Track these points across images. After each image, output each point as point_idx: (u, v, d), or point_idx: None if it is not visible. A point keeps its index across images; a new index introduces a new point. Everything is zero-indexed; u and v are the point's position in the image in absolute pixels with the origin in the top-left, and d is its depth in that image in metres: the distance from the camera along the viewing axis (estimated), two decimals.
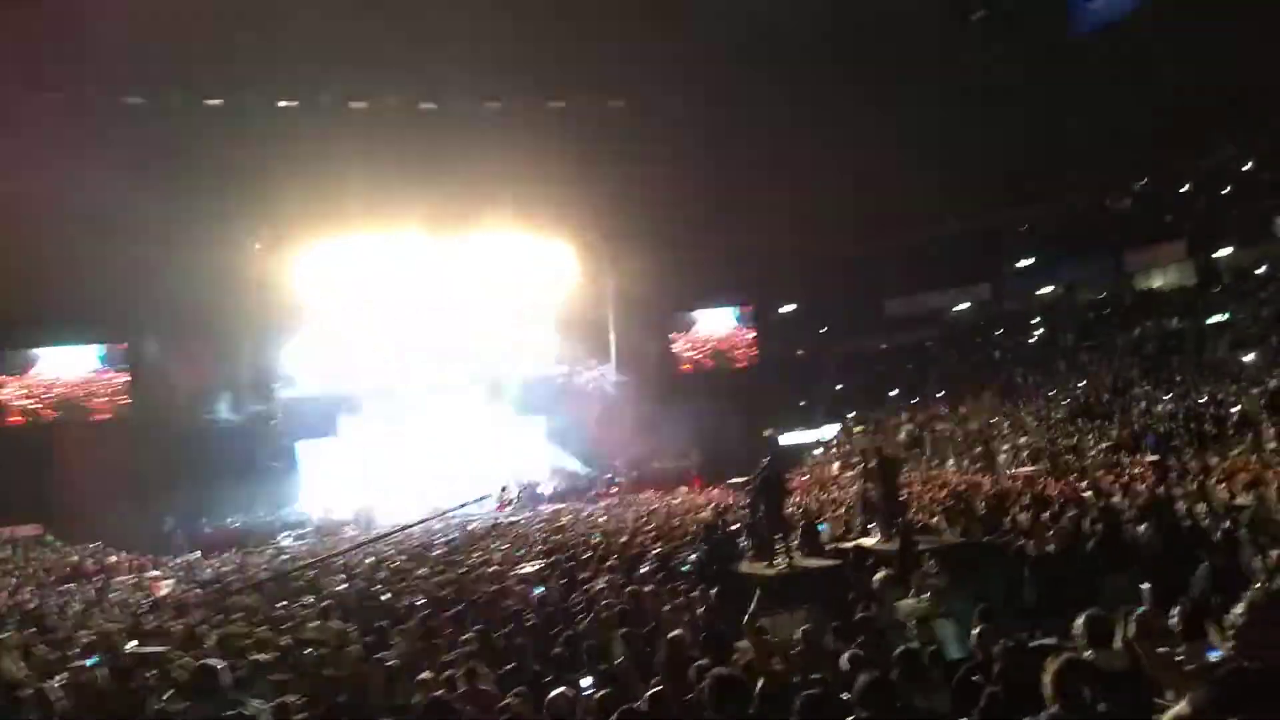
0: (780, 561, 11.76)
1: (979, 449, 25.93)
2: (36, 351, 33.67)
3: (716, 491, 27.83)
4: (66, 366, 33.89)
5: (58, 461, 29.56)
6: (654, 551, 13.74)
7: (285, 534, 29.62)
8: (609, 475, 35.24)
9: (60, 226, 26.79)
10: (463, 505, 27.70)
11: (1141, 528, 9.95)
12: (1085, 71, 33.88)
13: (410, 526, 24.09)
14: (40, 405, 33.33)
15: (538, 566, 13.97)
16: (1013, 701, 4.43)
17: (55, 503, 28.45)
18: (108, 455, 29.65)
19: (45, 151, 25.97)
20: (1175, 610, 5.44)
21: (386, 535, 23.49)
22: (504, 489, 31.99)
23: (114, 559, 25.38)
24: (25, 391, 33.26)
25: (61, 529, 28.22)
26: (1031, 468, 21.77)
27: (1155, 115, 31.52)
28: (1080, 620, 4.80)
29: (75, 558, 25.06)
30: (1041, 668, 3.95)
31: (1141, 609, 5.29)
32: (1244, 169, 33.47)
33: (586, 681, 6.60)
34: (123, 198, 26.16)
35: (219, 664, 4.61)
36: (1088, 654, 4.45)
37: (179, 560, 25.07)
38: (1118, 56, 32.82)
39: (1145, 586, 6.83)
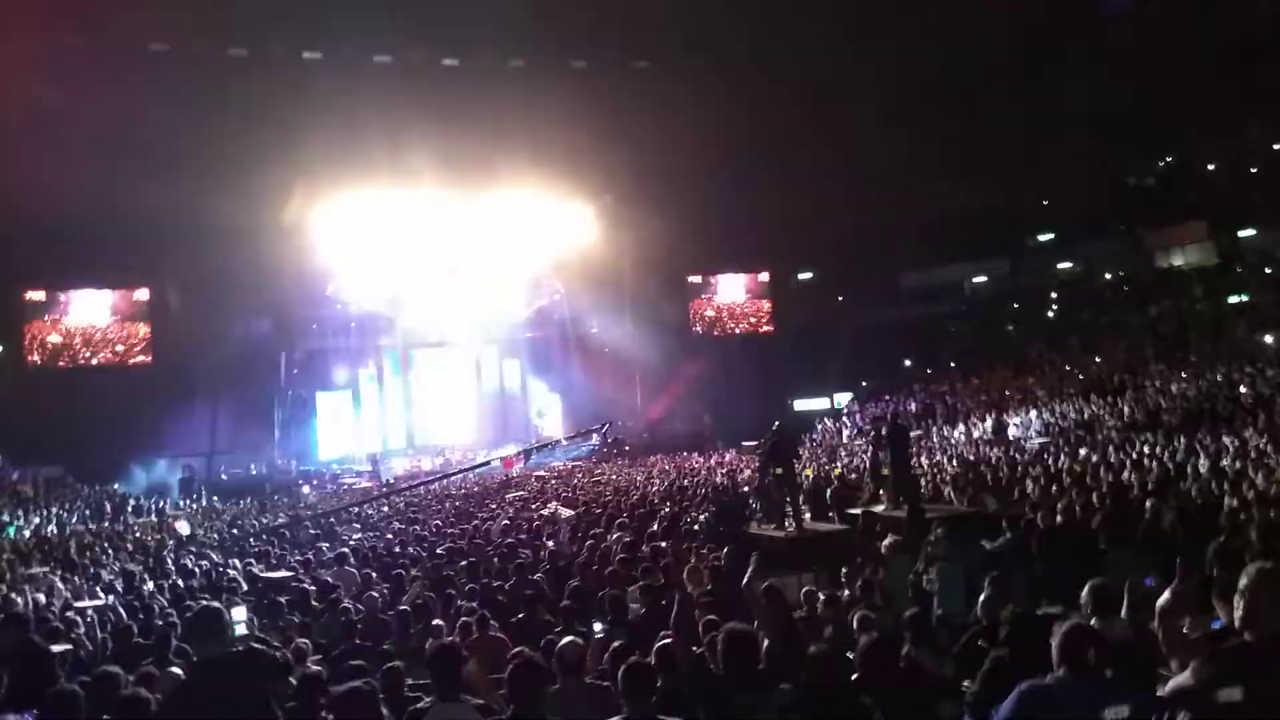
0: (789, 525, 11.90)
1: (990, 421, 25.95)
2: (63, 295, 33.93)
3: (729, 455, 27.99)
4: (91, 311, 34.17)
5: (80, 404, 29.90)
6: (664, 511, 13.90)
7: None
8: (620, 436, 35.47)
9: (85, 172, 26.85)
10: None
11: (1149, 503, 10.00)
12: (1111, 48, 33.34)
13: (425, 482, 24.38)
14: (65, 348, 33.68)
15: (569, 513, 14.23)
16: (1018, 666, 4.51)
17: (76, 445, 28.84)
18: (129, 400, 30.02)
19: (73, 98, 26.01)
20: (1182, 584, 5.52)
21: (401, 489, 23.76)
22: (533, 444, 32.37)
23: (133, 501, 25.81)
24: (52, 334, 33.60)
25: (81, 470, 28.66)
26: (1040, 441, 21.77)
27: (1182, 94, 31.04)
28: (1087, 589, 4.88)
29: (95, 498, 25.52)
30: (1047, 634, 4.02)
31: (1147, 580, 5.37)
32: (1272, 149, 33.02)
33: (599, 627, 6.73)
34: (148, 146, 26.27)
35: (220, 607, 4.73)
36: (1094, 622, 4.52)
37: (197, 505, 25.49)
38: (1144, 33, 32.29)
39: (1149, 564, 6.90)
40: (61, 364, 33.48)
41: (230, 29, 30.62)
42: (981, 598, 6.42)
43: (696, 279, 42.15)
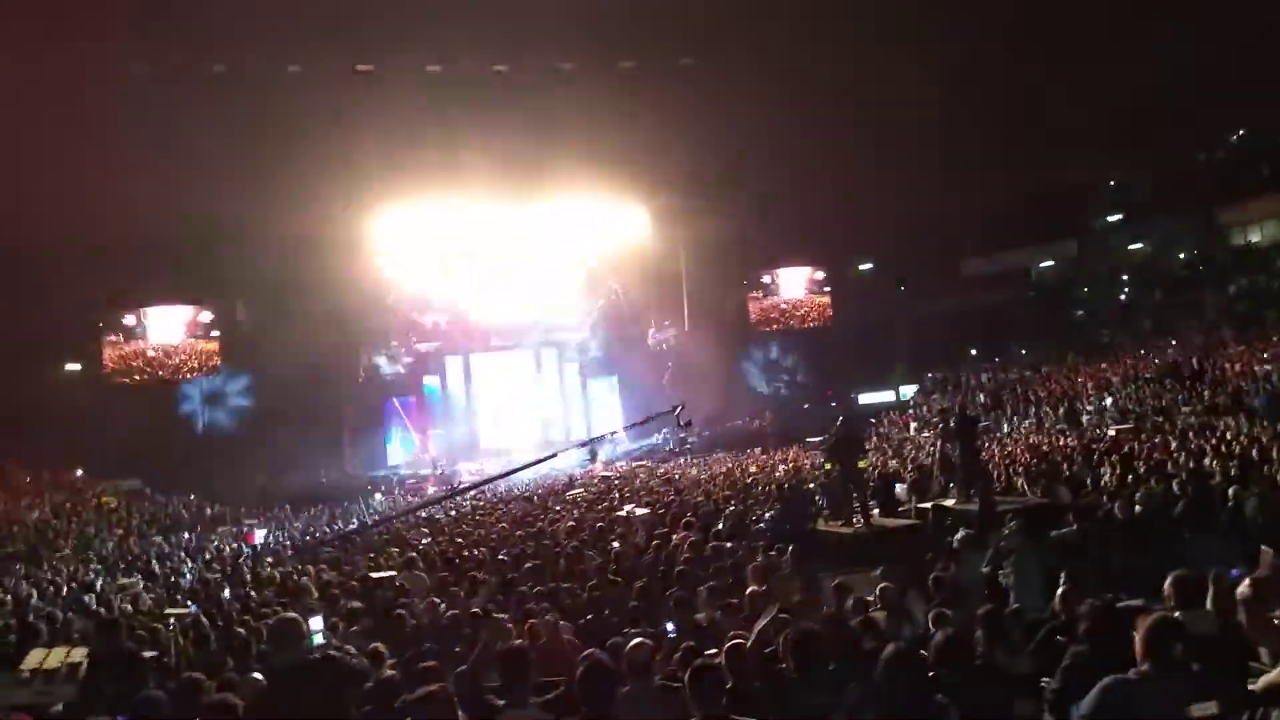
0: (857, 521, 11.76)
1: (1063, 409, 25.33)
2: (136, 313, 34.97)
3: (793, 451, 27.77)
4: (166, 328, 35.19)
5: (155, 418, 30.84)
6: (729, 510, 13.82)
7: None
8: (682, 434, 35.40)
9: (151, 194, 27.72)
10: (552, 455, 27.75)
11: (1231, 490, 9.64)
12: (1172, 21, 32.30)
13: (490, 481, 24.49)
14: (141, 364, 34.74)
15: (644, 512, 14.26)
16: (1099, 661, 4.39)
17: (154, 458, 29.74)
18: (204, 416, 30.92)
19: (137, 123, 26.88)
20: (1265, 571, 5.32)
21: (465, 489, 23.97)
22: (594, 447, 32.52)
23: (209, 511, 26.55)
24: (128, 352, 34.68)
25: (160, 483, 29.58)
26: (1116, 429, 21.16)
27: (1247, 63, 29.87)
28: (1169, 581, 4.72)
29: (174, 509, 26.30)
30: (1129, 628, 3.91)
31: (1234, 572, 5.18)
32: None
33: (670, 626, 6.72)
34: (212, 166, 27.05)
35: (298, 616, 4.86)
36: (1178, 615, 4.37)
37: (270, 514, 26.11)
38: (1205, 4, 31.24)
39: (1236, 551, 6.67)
40: (138, 379, 34.52)
41: (286, 48, 31.36)
42: (1059, 591, 6.26)
43: (754, 275, 41.84)
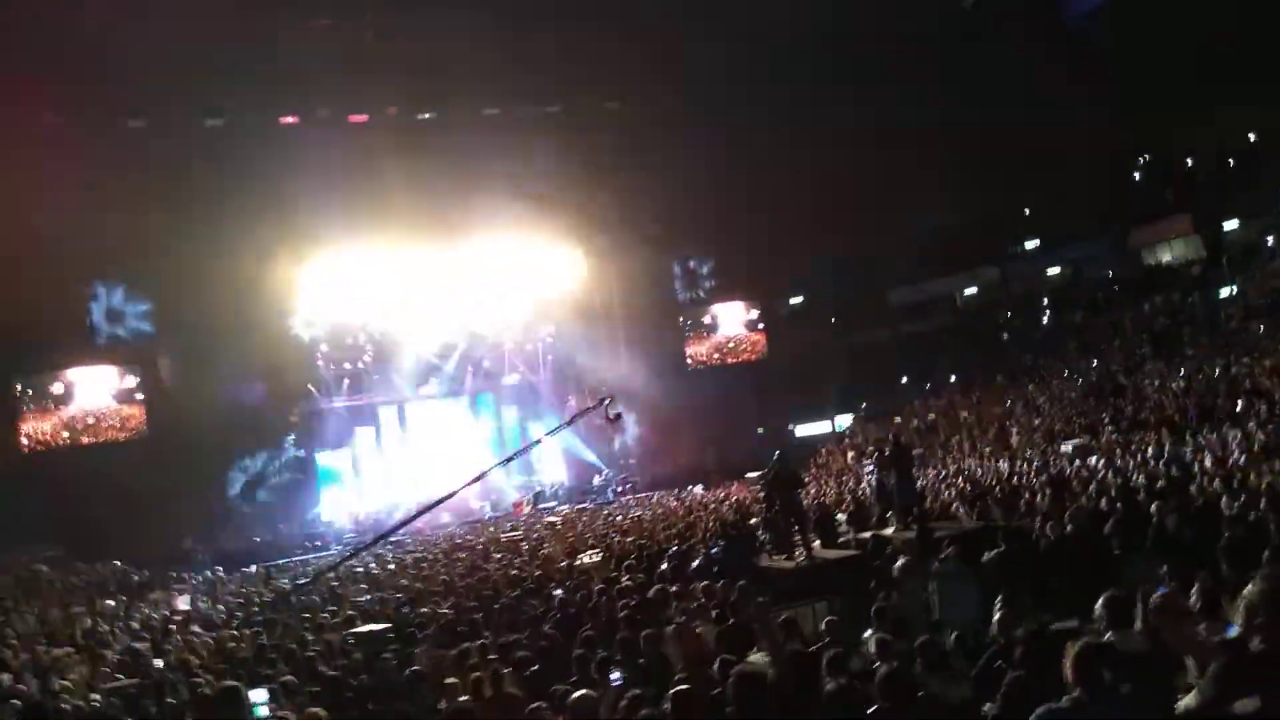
0: (799, 554, 11.82)
1: (993, 433, 25.90)
2: (57, 376, 33.61)
3: (735, 487, 27.88)
4: (82, 390, 33.87)
5: (75, 484, 29.66)
6: (672, 549, 13.80)
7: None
8: (623, 475, 35.34)
9: (70, 252, 27.01)
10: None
11: (1154, 506, 9.93)
12: (1082, 46, 33.86)
13: (413, 518, 23.77)
14: (59, 430, 33.39)
15: (597, 558, 14.16)
16: (1035, 687, 4.46)
17: (74, 525, 28.55)
18: (124, 476, 29.83)
19: (56, 176, 26.24)
20: (1194, 589, 5.48)
21: (389, 533, 23.20)
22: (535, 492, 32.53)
23: (136, 578, 25.53)
24: (46, 422, 33.29)
25: (82, 551, 28.37)
26: (1074, 442, 21.31)
27: (1156, 88, 31.36)
28: (1100, 602, 4.83)
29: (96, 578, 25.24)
30: (1062, 652, 3.98)
31: (1162, 589, 5.32)
32: (1249, 140, 33.36)
33: (615, 676, 6.66)
34: (130, 221, 26.50)
35: (239, 685, 4.67)
36: (1109, 636, 4.47)
37: (200, 577, 25.22)
38: (1111, 30, 32.88)
39: (1163, 569, 6.85)
40: (57, 445, 33.16)
41: (206, 98, 31.05)
42: (996, 615, 6.36)
43: (690, 313, 42.11)
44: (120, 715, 8.19)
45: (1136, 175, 37.56)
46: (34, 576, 24.35)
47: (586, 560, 14.27)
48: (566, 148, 32.54)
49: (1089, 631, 4.84)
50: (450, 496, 22.21)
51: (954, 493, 16.16)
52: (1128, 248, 36.70)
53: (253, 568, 25.18)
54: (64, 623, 16.80)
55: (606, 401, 20.50)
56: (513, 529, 24.54)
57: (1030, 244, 39.88)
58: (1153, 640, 4.64)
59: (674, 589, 10.22)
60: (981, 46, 34.40)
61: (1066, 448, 20.93)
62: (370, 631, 10.58)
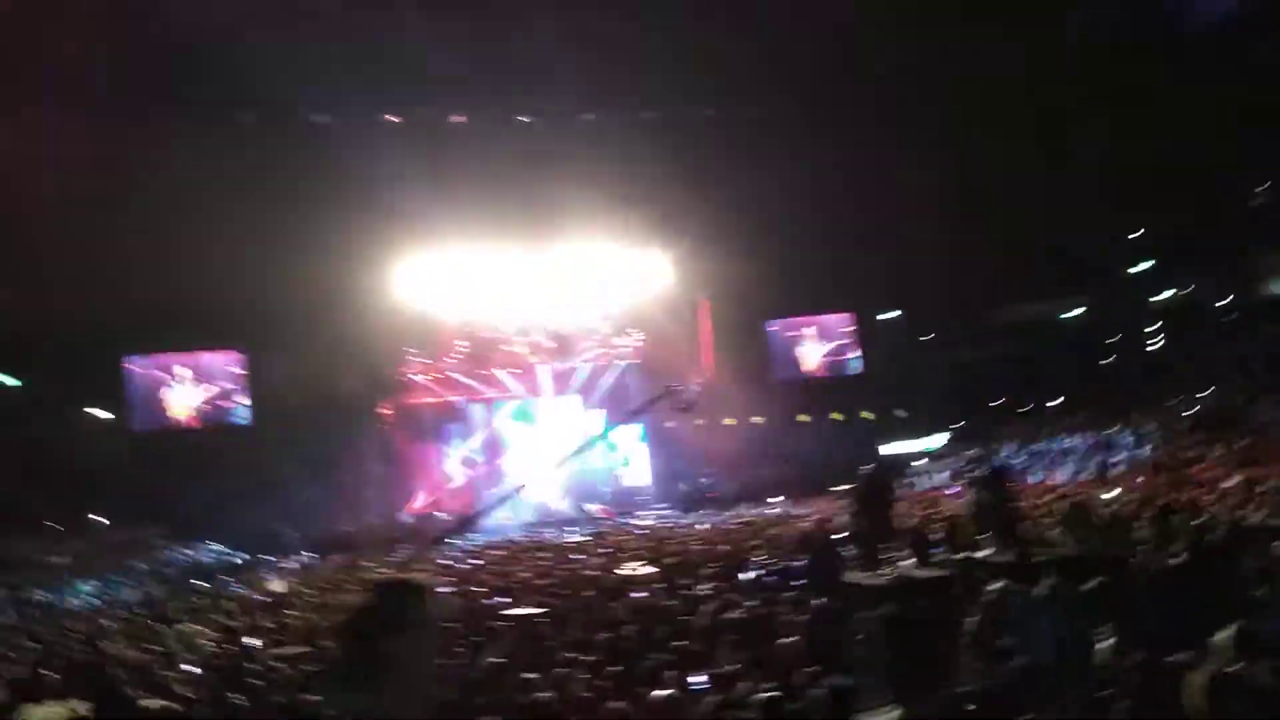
0: (887, 570, 11.47)
1: (1095, 460, 24.89)
2: (166, 365, 35.22)
3: (822, 501, 27.41)
4: (189, 375, 35.41)
5: (181, 466, 30.92)
6: (755, 559, 13.59)
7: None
8: (707, 484, 35.11)
9: (181, 242, 28.13)
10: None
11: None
12: (1201, 65, 32.16)
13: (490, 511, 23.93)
14: (172, 413, 34.96)
15: (647, 571, 14.01)
16: (1148, 718, 4.18)
17: (177, 506, 29.74)
18: (226, 461, 31.01)
19: (172, 170, 27.45)
20: None
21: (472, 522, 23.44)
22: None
23: (235, 561, 26.52)
24: (157, 399, 34.93)
25: (182, 531, 29.56)
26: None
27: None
28: (1228, 631, 4.50)
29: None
30: (1179, 684, 3.71)
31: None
32: None
33: (698, 678, 6.54)
34: (239, 215, 27.55)
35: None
36: (1238, 666, 4.15)
37: (292, 562, 26.02)
38: (1236, 47, 31.15)
39: None
40: (165, 428, 34.71)
41: (309, 98, 31.90)
42: (1103, 645, 6.03)
43: (778, 324, 41.62)
44: (216, 687, 8.40)
45: (1261, 197, 35.62)
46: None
47: (632, 570, 14.07)
48: (663, 151, 32.47)
49: (1210, 663, 4.51)
50: (520, 490, 22.29)
51: (1052, 518, 15.51)
52: (1247, 273, 34.86)
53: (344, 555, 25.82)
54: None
55: (677, 389, 19.98)
56: (596, 534, 24.57)
57: (1142, 266, 38.20)
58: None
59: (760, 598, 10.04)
60: (1092, 52, 32.94)
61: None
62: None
